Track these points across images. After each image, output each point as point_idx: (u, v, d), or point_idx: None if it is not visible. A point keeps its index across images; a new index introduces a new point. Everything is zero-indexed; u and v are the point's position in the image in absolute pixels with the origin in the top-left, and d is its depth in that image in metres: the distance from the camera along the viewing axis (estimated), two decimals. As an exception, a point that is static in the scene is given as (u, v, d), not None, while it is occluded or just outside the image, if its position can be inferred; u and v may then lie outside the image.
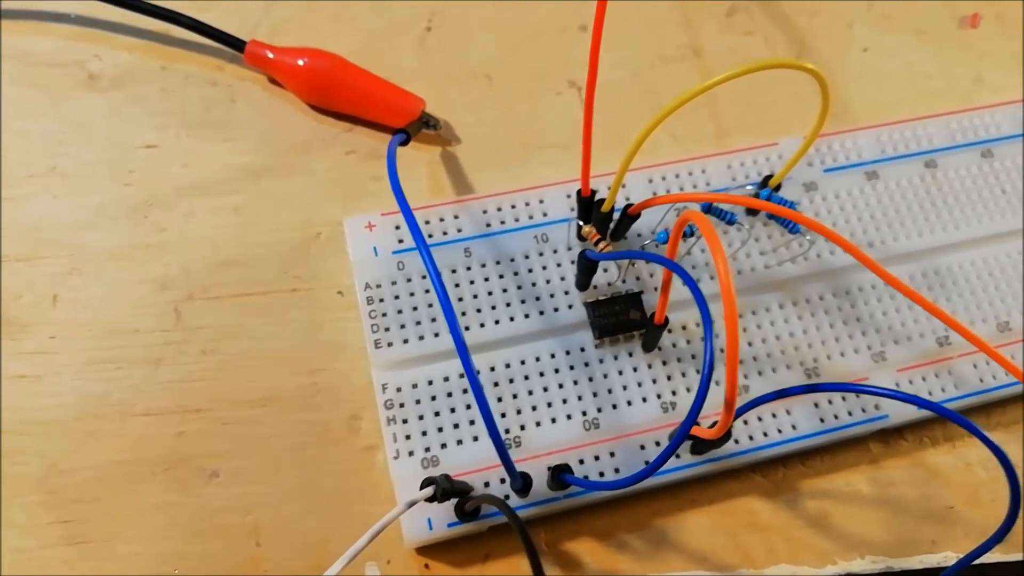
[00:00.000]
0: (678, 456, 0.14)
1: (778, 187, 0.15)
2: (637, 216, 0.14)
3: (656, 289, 0.14)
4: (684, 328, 0.14)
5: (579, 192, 0.14)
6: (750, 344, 0.14)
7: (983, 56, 0.19)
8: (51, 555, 0.13)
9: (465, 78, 0.17)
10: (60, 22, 0.17)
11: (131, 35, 0.17)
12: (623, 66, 0.18)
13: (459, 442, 0.13)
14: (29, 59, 0.16)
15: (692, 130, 0.17)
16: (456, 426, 0.14)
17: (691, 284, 0.11)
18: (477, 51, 0.17)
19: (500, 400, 0.14)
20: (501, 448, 0.11)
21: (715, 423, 0.11)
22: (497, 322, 0.14)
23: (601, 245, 0.14)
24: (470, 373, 0.11)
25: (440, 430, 0.14)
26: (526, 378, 0.14)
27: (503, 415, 0.14)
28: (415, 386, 0.14)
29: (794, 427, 0.14)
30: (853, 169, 0.16)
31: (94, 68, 0.16)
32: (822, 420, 0.14)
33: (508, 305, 0.14)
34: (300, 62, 0.16)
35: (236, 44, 0.16)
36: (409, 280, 0.14)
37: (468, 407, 0.14)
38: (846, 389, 0.12)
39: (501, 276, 0.14)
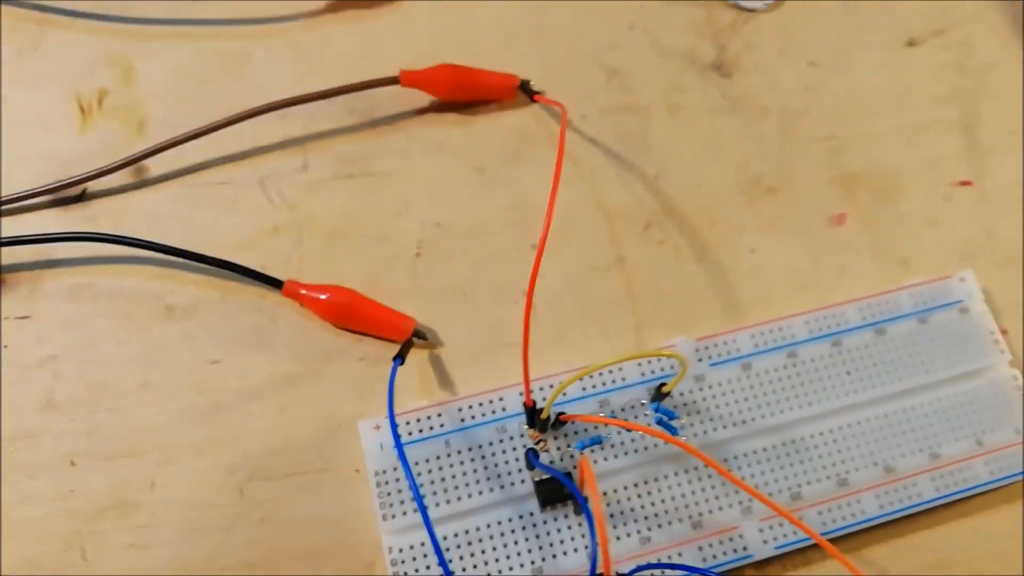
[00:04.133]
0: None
1: (668, 393, 0.20)
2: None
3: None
4: (605, 495, 0.20)
5: (524, 402, 0.20)
6: (652, 504, 0.20)
7: (846, 250, 0.24)
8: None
9: (446, 293, 0.23)
10: (142, 264, 0.23)
11: (196, 272, 0.23)
12: (564, 278, 0.23)
13: (445, 587, 0.19)
14: (120, 295, 0.22)
15: (618, 326, 0.23)
16: None
17: (587, 512, 0.16)
18: (454, 272, 0.23)
19: (472, 555, 0.19)
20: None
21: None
22: (470, 496, 0.20)
23: (541, 445, 0.19)
24: (434, 541, 0.17)
25: (432, 578, 0.19)
26: (491, 537, 0.20)
27: (475, 566, 0.19)
28: (412, 547, 0.19)
29: (683, 567, 0.20)
30: (732, 362, 0.22)
31: (170, 301, 0.22)
32: (704, 560, 0.20)
33: (477, 483, 0.20)
34: (323, 296, 0.22)
35: (275, 283, 0.22)
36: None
37: (452, 562, 0.19)
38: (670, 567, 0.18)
39: (472, 460, 0.20)
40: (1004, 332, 0.23)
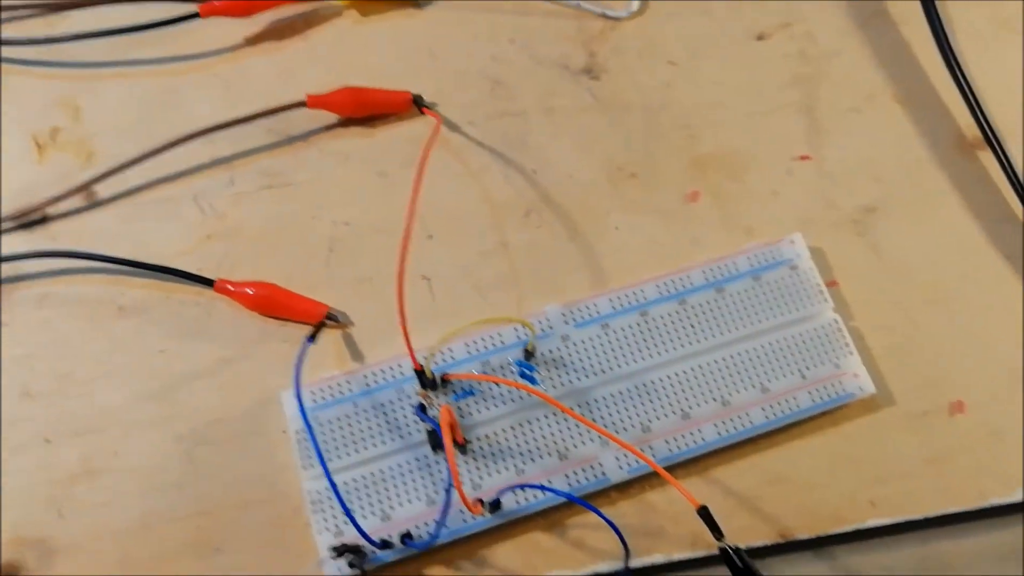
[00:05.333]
0: (484, 515, 0.23)
1: (533, 351, 0.25)
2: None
3: (473, 414, 0.24)
4: (487, 437, 0.24)
5: (413, 367, 0.24)
6: (526, 442, 0.24)
7: (699, 223, 0.28)
8: (130, 607, 0.23)
9: (357, 282, 0.27)
10: (97, 273, 0.27)
11: (143, 277, 0.27)
12: (457, 263, 0.27)
13: (363, 518, 0.23)
14: (80, 301, 0.27)
15: (503, 300, 0.27)
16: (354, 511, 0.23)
17: (446, 456, 0.20)
18: (362, 263, 0.27)
19: (379, 492, 0.24)
20: (359, 528, 0.21)
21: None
22: (375, 446, 0.24)
23: (428, 400, 0.24)
24: (332, 484, 0.21)
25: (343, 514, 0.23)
26: (393, 478, 0.24)
27: (380, 501, 0.24)
28: (327, 489, 0.24)
29: (553, 492, 0.24)
30: (593, 323, 0.26)
31: (122, 303, 0.27)
32: (570, 485, 0.24)
33: (381, 435, 0.24)
34: (248, 291, 0.26)
35: (208, 282, 0.26)
36: (321, 426, 0.24)
37: (360, 499, 0.24)
38: (529, 487, 0.22)
39: (376, 417, 0.24)
40: (834, 284, 0.28)
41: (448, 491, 0.21)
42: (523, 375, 0.24)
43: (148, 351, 0.26)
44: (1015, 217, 0.29)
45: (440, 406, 0.22)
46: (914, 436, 0.26)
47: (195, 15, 0.29)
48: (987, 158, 0.30)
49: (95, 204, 0.28)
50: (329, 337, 0.26)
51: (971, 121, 0.30)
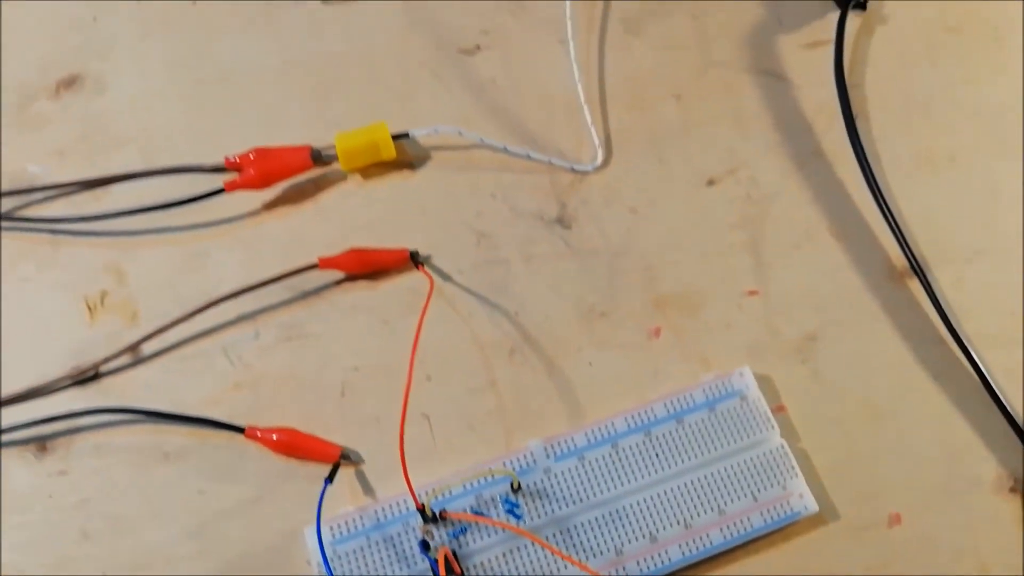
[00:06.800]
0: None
1: (519, 486, 0.29)
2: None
3: (470, 544, 0.28)
4: (482, 564, 0.28)
5: (415, 505, 0.28)
6: (517, 568, 0.28)
7: (661, 356, 0.33)
8: None
9: (366, 422, 0.31)
10: (143, 424, 0.31)
11: (183, 426, 0.31)
12: (450, 400, 0.32)
13: (371, 642, 0.27)
14: (129, 449, 0.31)
15: (492, 433, 0.31)
16: (369, 633, 0.27)
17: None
18: (371, 404, 0.31)
19: (390, 616, 0.28)
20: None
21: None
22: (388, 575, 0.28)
23: (428, 536, 0.28)
24: None
25: (362, 636, 0.27)
26: (403, 602, 0.28)
27: (392, 624, 0.28)
28: (347, 615, 0.28)
29: (540, 610, 0.28)
30: (571, 456, 0.30)
31: (166, 449, 0.31)
32: (554, 604, 0.28)
33: (391, 566, 0.28)
34: (274, 436, 0.30)
35: (239, 429, 0.30)
36: (340, 558, 0.28)
37: (376, 621, 0.28)
38: None
39: (387, 549, 0.28)
40: (782, 409, 0.32)
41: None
42: (508, 511, 0.28)
43: (188, 492, 0.30)
44: (941, 339, 0.33)
45: (439, 547, 0.26)
46: (856, 549, 0.30)
47: (221, 190, 0.33)
48: (915, 285, 0.34)
49: (140, 360, 0.32)
50: (344, 474, 0.30)
51: (900, 252, 0.34)
